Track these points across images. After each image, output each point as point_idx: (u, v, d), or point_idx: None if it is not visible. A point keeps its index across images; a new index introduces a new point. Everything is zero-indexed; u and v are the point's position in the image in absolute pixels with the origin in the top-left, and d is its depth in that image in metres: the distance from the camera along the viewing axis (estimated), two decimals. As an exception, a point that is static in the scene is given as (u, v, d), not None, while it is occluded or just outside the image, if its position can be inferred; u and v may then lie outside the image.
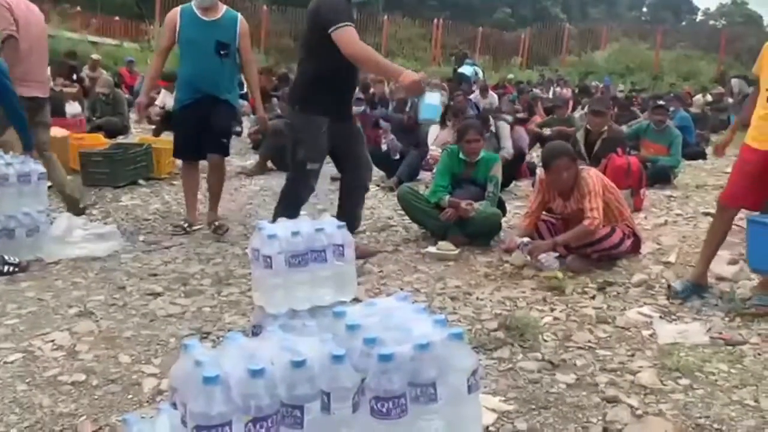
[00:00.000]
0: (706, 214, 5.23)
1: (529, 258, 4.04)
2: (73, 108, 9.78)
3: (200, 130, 4.50)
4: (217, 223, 4.65)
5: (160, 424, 1.50)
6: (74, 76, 12.22)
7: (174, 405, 1.43)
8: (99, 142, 7.18)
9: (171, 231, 4.69)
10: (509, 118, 7.12)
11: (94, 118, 9.35)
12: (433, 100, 3.55)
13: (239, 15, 4.57)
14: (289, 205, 3.92)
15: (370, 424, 1.43)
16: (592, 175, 4.04)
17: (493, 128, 6.82)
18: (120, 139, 8.21)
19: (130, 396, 2.47)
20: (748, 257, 3.44)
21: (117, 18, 24.17)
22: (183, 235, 4.64)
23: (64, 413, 2.33)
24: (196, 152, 4.67)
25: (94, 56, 14.15)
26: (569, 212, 4.14)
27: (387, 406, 1.41)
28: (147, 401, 2.43)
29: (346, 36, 3.53)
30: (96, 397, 2.45)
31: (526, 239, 4.11)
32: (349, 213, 3.96)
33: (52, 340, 2.92)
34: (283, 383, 1.38)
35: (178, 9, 4.47)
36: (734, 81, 15.82)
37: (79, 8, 23.22)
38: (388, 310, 1.69)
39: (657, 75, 21.06)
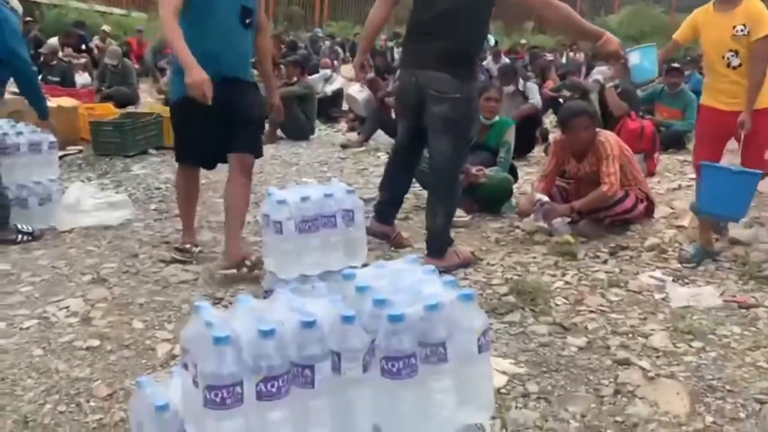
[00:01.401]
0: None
1: (542, 220, 4.00)
2: (82, 78, 9.79)
3: (219, 126, 3.24)
4: (254, 259, 3.18)
5: (174, 387, 1.52)
6: (83, 46, 12.22)
7: (185, 366, 1.43)
8: (109, 111, 7.18)
9: (173, 258, 3.50)
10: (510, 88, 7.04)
11: (103, 88, 9.36)
12: (635, 60, 3.32)
13: None
14: (456, 196, 3.55)
15: (381, 384, 1.43)
16: (609, 139, 4.00)
17: (521, 86, 6.80)
18: (130, 109, 8.21)
19: (143, 361, 2.50)
20: (699, 201, 3.54)
21: (125, -13, 23.95)
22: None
23: (80, 377, 2.36)
24: (211, 156, 3.46)
25: (105, 28, 14.11)
26: (582, 174, 4.10)
27: (397, 366, 1.41)
28: (161, 366, 2.45)
29: None
30: (110, 361, 2.48)
31: (545, 198, 4.03)
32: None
33: (67, 307, 2.95)
34: (293, 343, 1.38)
35: None
36: None
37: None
38: (397, 272, 1.68)
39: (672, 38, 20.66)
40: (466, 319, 1.50)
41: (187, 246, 3.54)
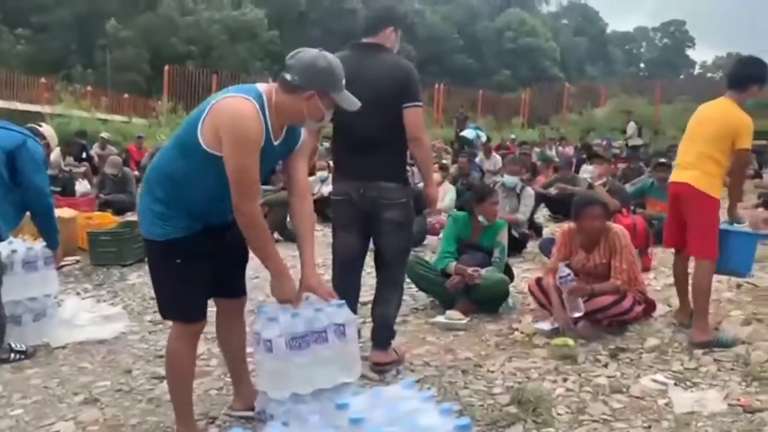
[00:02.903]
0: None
1: (566, 293, 3.93)
2: (82, 186, 9.98)
3: (217, 268, 2.69)
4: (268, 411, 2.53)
5: None
6: (84, 154, 12.54)
7: None
8: (108, 220, 7.27)
9: None
10: (514, 179, 7.14)
11: (101, 195, 9.52)
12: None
13: (303, 131, 2.68)
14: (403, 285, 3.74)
15: None
16: (624, 233, 4.13)
17: (517, 189, 6.93)
18: (128, 216, 8.31)
19: (134, 490, 2.41)
20: (736, 265, 3.96)
21: (126, 95, 24.86)
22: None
23: None
24: (209, 297, 2.78)
25: (104, 135, 14.52)
26: (591, 266, 4.12)
27: (393, 505, 1.36)
28: (152, 495, 2.37)
29: (420, 117, 3.39)
30: (100, 492, 2.39)
31: (571, 275, 3.95)
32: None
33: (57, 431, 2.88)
34: (285, 485, 1.35)
35: (261, 120, 2.41)
36: (631, 124, 16.31)
37: (90, 88, 23.93)
38: (393, 400, 1.66)
39: (658, 129, 21.25)
40: (462, 451, 1.46)
41: None
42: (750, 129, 3.75)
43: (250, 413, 2.83)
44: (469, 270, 4.57)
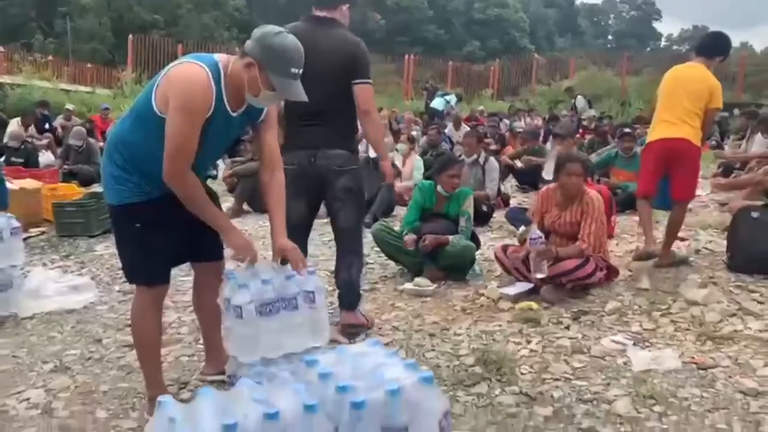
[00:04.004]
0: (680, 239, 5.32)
1: (534, 254, 4.02)
2: (46, 158, 9.78)
3: (185, 232, 2.68)
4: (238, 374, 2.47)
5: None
6: (47, 126, 12.25)
7: (149, 463, 1.43)
8: (73, 191, 7.16)
9: None
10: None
11: (66, 166, 9.36)
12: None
13: (265, 109, 2.67)
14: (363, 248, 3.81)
15: (345, 473, 1.45)
16: (599, 199, 4.24)
17: (481, 160, 6.93)
18: (94, 188, 8.20)
19: (107, 452, 2.45)
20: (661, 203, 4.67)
21: (89, 65, 24.23)
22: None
23: (40, 475, 2.30)
24: (175, 264, 2.85)
25: (69, 106, 14.18)
26: (561, 223, 4.25)
27: (360, 453, 1.43)
28: (125, 457, 2.41)
29: (371, 93, 3.54)
30: (73, 455, 2.43)
31: (542, 238, 4.06)
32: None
33: (27, 399, 2.89)
34: (256, 436, 1.40)
35: (212, 87, 2.41)
36: (579, 98, 16.61)
37: (51, 57, 23.25)
38: (359, 356, 1.72)
39: (624, 101, 21.50)
40: (427, 401, 1.53)
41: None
42: (721, 91, 4.34)
43: (221, 377, 2.88)
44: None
